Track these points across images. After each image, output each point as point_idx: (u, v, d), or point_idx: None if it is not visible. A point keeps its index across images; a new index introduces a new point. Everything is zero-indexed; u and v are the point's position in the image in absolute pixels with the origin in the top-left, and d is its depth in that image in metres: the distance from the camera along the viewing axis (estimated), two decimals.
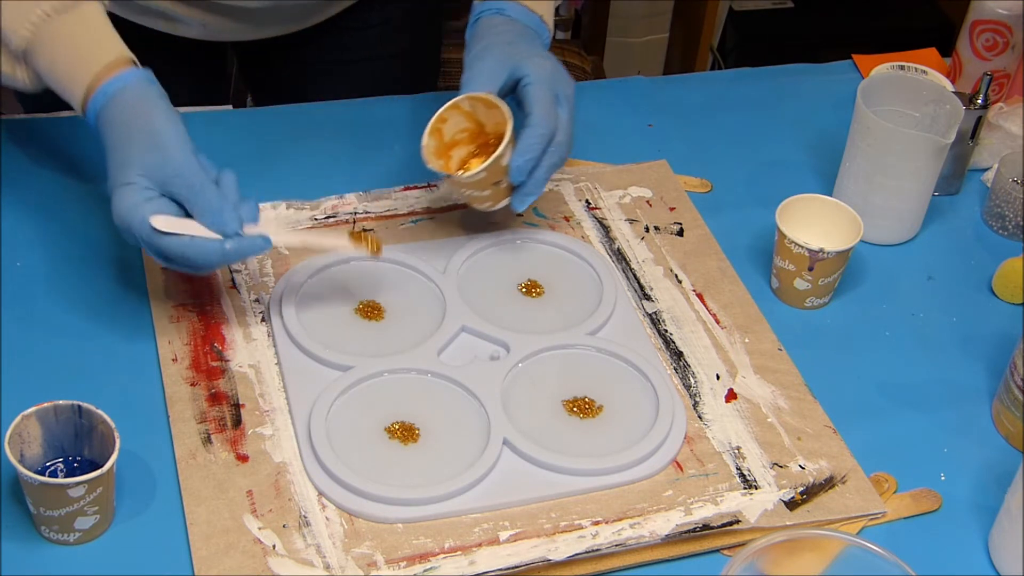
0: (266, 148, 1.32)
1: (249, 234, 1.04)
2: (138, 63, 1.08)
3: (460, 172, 1.16)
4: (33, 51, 1.07)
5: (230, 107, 1.38)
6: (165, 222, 1.02)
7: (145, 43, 1.34)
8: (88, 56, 1.07)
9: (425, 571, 0.95)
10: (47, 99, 1.36)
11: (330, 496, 0.99)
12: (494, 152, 1.13)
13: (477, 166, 1.14)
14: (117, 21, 1.19)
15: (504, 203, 1.18)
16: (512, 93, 1.18)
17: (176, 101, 1.35)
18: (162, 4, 1.32)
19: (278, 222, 1.22)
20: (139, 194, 1.02)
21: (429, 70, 1.58)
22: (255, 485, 1.00)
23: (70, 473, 0.96)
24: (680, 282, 1.21)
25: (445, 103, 1.15)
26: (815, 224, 1.21)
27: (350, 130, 1.36)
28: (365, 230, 1.09)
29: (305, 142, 1.34)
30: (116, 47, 1.08)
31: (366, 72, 1.49)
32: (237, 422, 1.04)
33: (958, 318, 1.22)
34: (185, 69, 1.37)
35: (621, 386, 1.10)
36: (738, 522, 1.00)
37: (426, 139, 1.15)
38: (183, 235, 1.02)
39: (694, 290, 1.21)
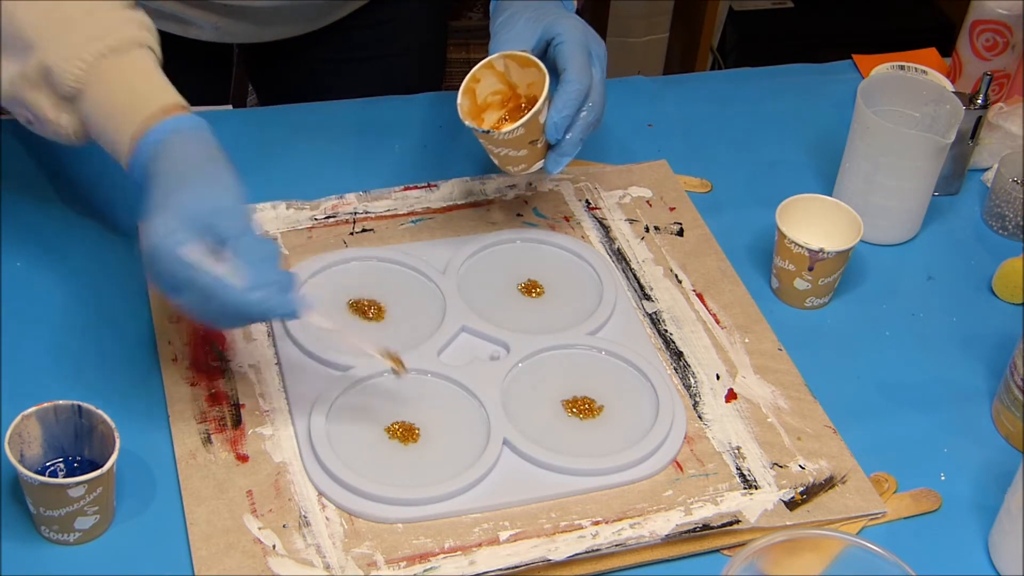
0: (266, 148, 1.32)
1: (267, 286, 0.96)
2: (190, 109, 1.02)
3: (494, 130, 1.13)
4: (83, 93, 1.00)
5: (230, 107, 1.39)
6: (195, 256, 0.93)
7: None
8: (144, 97, 1.00)
9: (425, 571, 0.95)
10: None
11: (330, 496, 0.99)
12: (526, 114, 1.13)
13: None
14: None
15: (538, 166, 1.17)
16: (543, 57, 1.16)
17: (209, 100, 1.34)
18: (176, 7, 1.32)
19: (279, 220, 1.22)
20: (175, 222, 0.93)
21: (435, 69, 1.58)
22: (255, 485, 1.00)
23: (70, 473, 0.96)
24: (680, 282, 1.21)
25: (451, 93, 1.14)
26: (815, 224, 1.21)
27: (350, 130, 1.36)
28: (391, 355, 1.05)
29: (305, 142, 1.34)
30: (172, 92, 1.02)
31: (374, 71, 1.49)
32: (237, 422, 1.04)
33: (958, 318, 1.22)
34: (190, 70, 1.37)
35: (621, 386, 1.10)
36: (738, 522, 1.00)
37: (460, 98, 1.15)
38: (216, 273, 0.94)
39: (694, 290, 1.21)
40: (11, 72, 1.01)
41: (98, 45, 1.00)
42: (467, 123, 1.14)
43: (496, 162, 1.17)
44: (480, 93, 1.17)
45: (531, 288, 1.19)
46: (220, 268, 0.94)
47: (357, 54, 1.46)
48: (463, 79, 1.16)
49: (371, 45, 1.47)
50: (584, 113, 1.14)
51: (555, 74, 1.14)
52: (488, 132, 1.13)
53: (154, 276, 0.96)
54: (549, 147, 1.16)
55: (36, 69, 1.00)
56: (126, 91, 1.01)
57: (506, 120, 1.18)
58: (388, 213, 1.26)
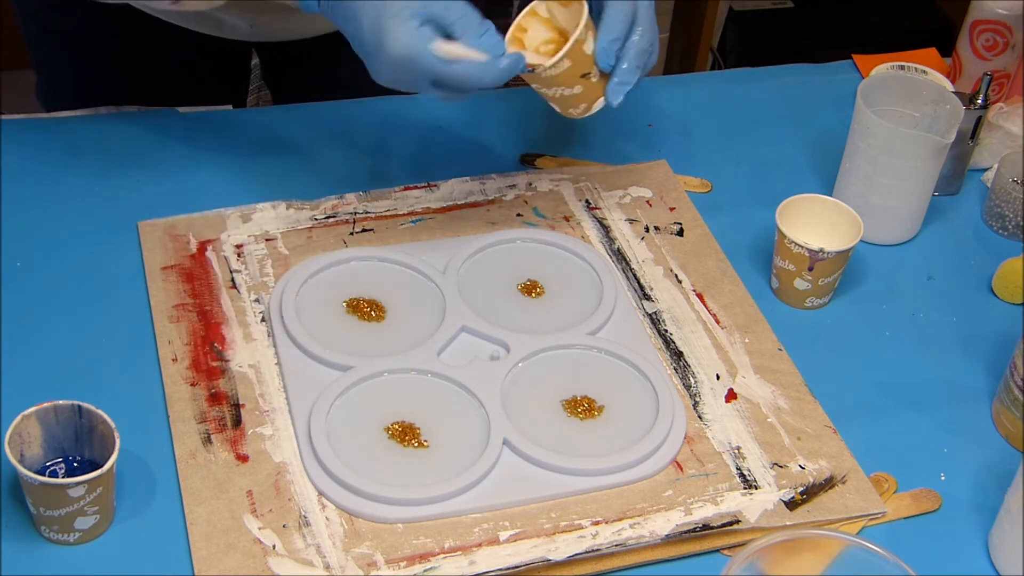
0: (266, 148, 1.32)
1: (509, 53, 1.05)
2: None
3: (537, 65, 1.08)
4: None
5: (230, 107, 1.39)
6: (445, 48, 1.03)
7: (172, 44, 1.33)
8: None
9: (425, 571, 0.95)
10: (66, 96, 1.36)
11: (330, 496, 0.99)
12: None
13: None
14: (158, 25, 1.18)
15: (599, 104, 1.12)
16: (592, 14, 1.11)
17: (202, 101, 1.34)
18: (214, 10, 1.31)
19: (279, 219, 1.23)
20: (412, 22, 1.02)
21: None
22: (255, 485, 1.00)
23: (70, 473, 0.96)
24: (680, 282, 1.21)
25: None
26: (815, 224, 1.21)
27: (351, 130, 1.36)
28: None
29: (305, 142, 1.34)
30: None
31: None
32: (237, 422, 1.04)
33: (958, 318, 1.22)
34: (210, 69, 1.37)
35: (621, 386, 1.10)
36: (738, 522, 1.00)
37: (508, 48, 1.07)
38: (466, 58, 1.03)
39: (694, 290, 1.21)
40: None
41: None
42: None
43: (556, 107, 1.13)
44: (529, 44, 1.12)
45: (531, 288, 1.19)
46: (462, 50, 1.04)
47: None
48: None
49: None
50: (636, 37, 1.10)
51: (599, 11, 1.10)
52: (531, 70, 1.08)
53: (409, 80, 1.05)
54: (607, 80, 1.11)
55: None
56: None
57: None
58: (388, 213, 1.26)
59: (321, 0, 1.08)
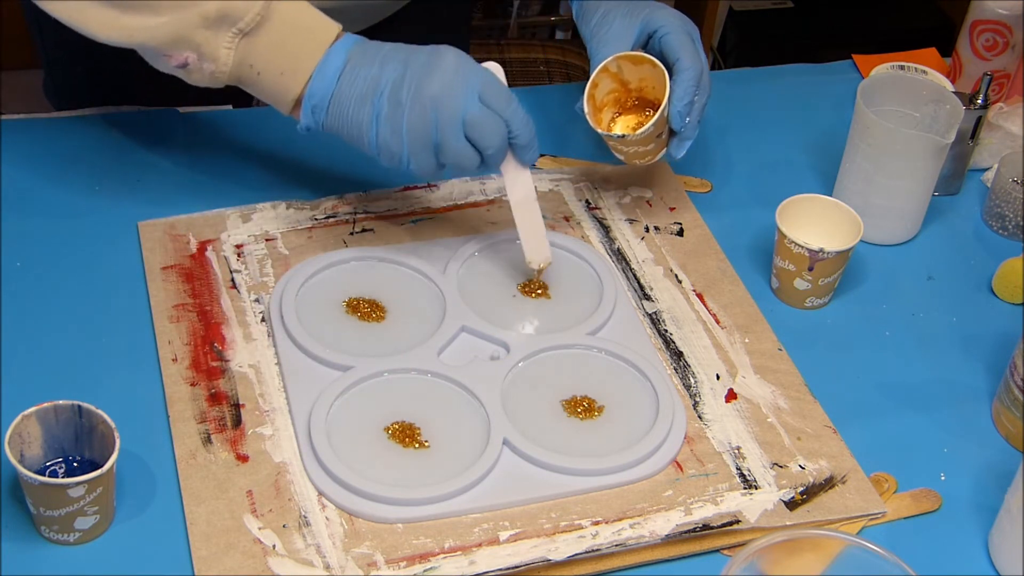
0: (266, 148, 1.32)
1: None
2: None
3: (628, 133, 1.20)
4: (262, 26, 1.08)
5: (230, 107, 1.38)
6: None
7: None
8: (315, 29, 1.10)
9: (425, 571, 0.95)
10: (80, 98, 1.36)
11: (330, 496, 0.99)
12: (638, 109, 1.22)
13: (624, 124, 1.23)
14: None
15: (661, 155, 1.23)
16: (645, 49, 1.22)
17: (202, 101, 1.34)
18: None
19: (279, 219, 1.23)
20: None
21: None
22: (255, 485, 1.00)
23: (70, 473, 0.96)
24: (680, 282, 1.21)
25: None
26: (815, 224, 1.21)
27: None
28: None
29: (305, 142, 1.34)
30: (331, 22, 1.11)
31: None
32: (237, 422, 1.04)
33: (958, 318, 1.22)
34: None
35: (621, 386, 1.10)
36: (738, 522, 1.00)
37: (585, 106, 1.21)
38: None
39: (694, 290, 1.21)
40: (175, 18, 1.06)
41: None
42: (599, 131, 1.20)
43: (622, 158, 1.23)
44: (598, 96, 1.22)
45: (531, 288, 1.19)
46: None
47: None
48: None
49: (406, 42, 1.45)
50: (698, 97, 1.19)
51: (666, 62, 1.20)
52: (623, 136, 1.19)
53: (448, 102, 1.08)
54: (671, 135, 1.21)
55: (216, 10, 1.06)
56: (295, 25, 1.09)
57: (619, 115, 1.24)
58: (388, 213, 1.26)
59: (316, 116, 1.12)
